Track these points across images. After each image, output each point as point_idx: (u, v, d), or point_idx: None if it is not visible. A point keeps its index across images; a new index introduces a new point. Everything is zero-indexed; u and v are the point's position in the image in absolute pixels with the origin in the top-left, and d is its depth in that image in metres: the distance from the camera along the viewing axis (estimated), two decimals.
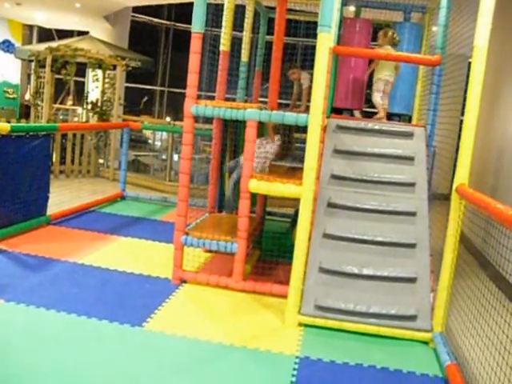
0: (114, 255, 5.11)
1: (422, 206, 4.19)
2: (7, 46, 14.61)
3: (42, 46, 10.42)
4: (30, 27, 15.37)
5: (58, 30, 14.86)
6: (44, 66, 9.75)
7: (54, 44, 10.30)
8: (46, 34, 15.10)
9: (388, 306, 3.86)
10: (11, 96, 14.91)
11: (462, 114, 3.74)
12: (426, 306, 3.87)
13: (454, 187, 3.65)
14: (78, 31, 14.23)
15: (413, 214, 4.16)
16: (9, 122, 7.77)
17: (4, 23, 14.48)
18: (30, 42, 15.04)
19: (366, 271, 3.97)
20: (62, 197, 6.82)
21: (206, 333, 3.64)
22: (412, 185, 4.26)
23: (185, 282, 4.55)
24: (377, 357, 3.55)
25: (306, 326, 3.92)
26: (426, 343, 3.82)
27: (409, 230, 4.12)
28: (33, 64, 10.18)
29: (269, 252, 5.10)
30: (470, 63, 3.70)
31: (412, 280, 3.95)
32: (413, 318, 3.84)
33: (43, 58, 9.77)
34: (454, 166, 3.76)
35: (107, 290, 4.20)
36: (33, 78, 10.27)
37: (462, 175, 3.65)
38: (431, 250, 4.12)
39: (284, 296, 4.06)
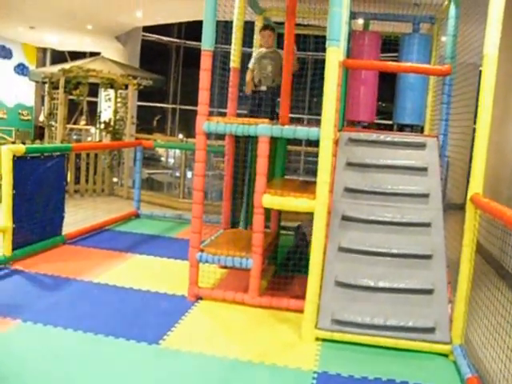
0: (129, 273, 5.12)
1: (437, 216, 4.16)
2: (22, 69, 14.86)
3: (56, 68, 10.59)
4: (44, 50, 15.64)
5: (70, 52, 15.10)
6: (57, 88, 9.89)
7: (66, 65, 10.46)
8: (59, 56, 15.35)
9: (405, 318, 3.82)
10: (26, 118, 15.13)
11: (475, 122, 3.72)
12: (445, 318, 3.83)
13: (468, 197, 3.62)
14: (91, 52, 14.43)
15: (428, 224, 4.13)
16: (24, 144, 7.86)
17: (18, 47, 14.75)
18: (44, 65, 15.28)
19: (382, 284, 3.94)
20: (76, 216, 6.87)
21: (222, 349, 3.62)
22: (426, 196, 4.24)
23: (201, 298, 4.55)
24: (396, 370, 3.51)
25: (324, 340, 3.88)
26: (445, 356, 3.76)
27: (424, 242, 4.08)
28: (46, 86, 10.33)
29: (284, 267, 5.09)
30: (480, 72, 3.68)
31: (429, 292, 3.91)
32: (431, 330, 3.79)
33: (56, 79, 9.92)
34: (468, 175, 3.73)
35: (123, 308, 4.20)
36: (46, 99, 10.43)
37: (477, 185, 3.62)
38: (447, 260, 4.08)
39: (301, 311, 4.03)
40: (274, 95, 5.60)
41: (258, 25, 6.10)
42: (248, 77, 5.69)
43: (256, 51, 5.81)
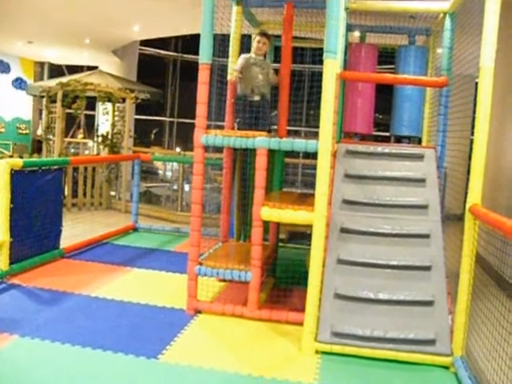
0: (127, 287, 5.10)
1: (436, 227, 4.16)
2: (19, 84, 14.90)
3: (53, 82, 10.61)
4: (41, 64, 15.70)
5: (68, 66, 15.16)
6: (55, 102, 9.90)
7: (64, 79, 10.48)
8: (56, 70, 15.41)
9: (405, 330, 3.80)
10: (24, 132, 15.15)
11: (472, 133, 3.73)
12: (445, 330, 3.81)
13: (467, 207, 3.62)
14: (88, 66, 14.48)
15: (426, 236, 4.13)
16: (21, 157, 7.87)
17: (16, 61, 14.81)
18: (42, 79, 15.33)
19: (381, 296, 3.92)
20: (74, 230, 6.84)
21: (222, 363, 3.59)
22: (425, 207, 4.24)
23: (200, 312, 4.52)
24: (396, 383, 3.49)
25: (324, 353, 3.86)
26: (446, 368, 3.74)
27: (423, 253, 4.08)
28: (44, 100, 10.34)
29: (283, 279, 5.07)
30: (477, 83, 3.70)
31: (429, 303, 3.89)
32: (432, 342, 3.77)
33: (54, 93, 9.93)
34: (466, 186, 3.74)
35: (122, 323, 4.18)
36: (44, 113, 10.42)
37: (475, 195, 3.62)
38: (447, 271, 4.07)
39: (300, 323, 4.01)
40: (267, 106, 5.43)
41: (255, 38, 6.12)
42: (237, 76, 5.24)
43: (244, 55, 5.35)
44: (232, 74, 5.48)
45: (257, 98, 5.33)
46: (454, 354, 3.72)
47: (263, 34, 5.43)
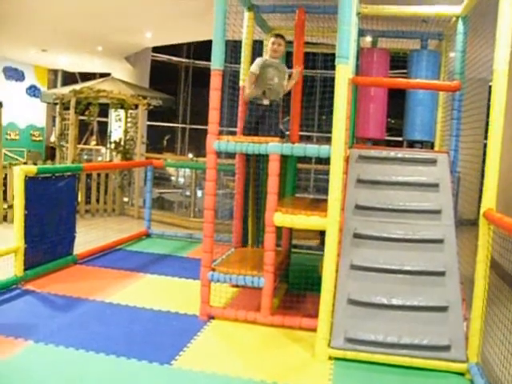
0: (141, 293, 5.11)
1: (449, 232, 4.13)
2: (33, 91, 15.06)
3: (67, 89, 10.70)
4: (55, 72, 15.86)
5: (81, 73, 15.29)
6: (68, 109, 9.99)
7: (77, 87, 10.58)
8: (69, 78, 15.55)
9: (420, 336, 3.77)
10: (37, 138, 15.29)
11: (486, 137, 3.70)
12: (460, 336, 3.77)
13: (481, 212, 3.59)
14: (100, 73, 14.59)
15: (440, 241, 4.10)
16: (35, 164, 7.93)
17: (30, 69, 14.97)
18: (55, 86, 15.48)
19: (395, 301, 3.90)
20: (87, 236, 6.88)
21: (235, 369, 3.59)
22: (438, 212, 4.21)
23: (213, 317, 4.52)
24: None
25: (337, 359, 3.84)
26: (461, 374, 3.69)
27: (437, 258, 4.05)
28: (57, 107, 10.44)
29: (296, 285, 5.06)
30: (490, 87, 3.68)
31: (443, 309, 3.86)
32: (446, 348, 3.73)
33: (67, 100, 10.02)
34: (480, 191, 3.71)
35: (135, 328, 4.19)
36: (58, 120, 10.50)
37: (489, 200, 3.59)
38: (461, 277, 4.04)
39: (313, 329, 3.99)
40: (277, 111, 5.25)
41: (267, 44, 6.13)
42: (251, 80, 5.10)
43: (260, 58, 5.22)
44: (244, 80, 5.46)
45: (266, 102, 5.13)
46: (469, 360, 3.68)
47: (278, 35, 5.27)
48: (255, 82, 5.10)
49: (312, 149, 4.16)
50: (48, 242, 5.51)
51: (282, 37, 5.26)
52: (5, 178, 8.17)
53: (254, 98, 5.16)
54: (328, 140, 3.98)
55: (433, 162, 4.49)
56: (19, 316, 4.33)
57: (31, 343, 3.75)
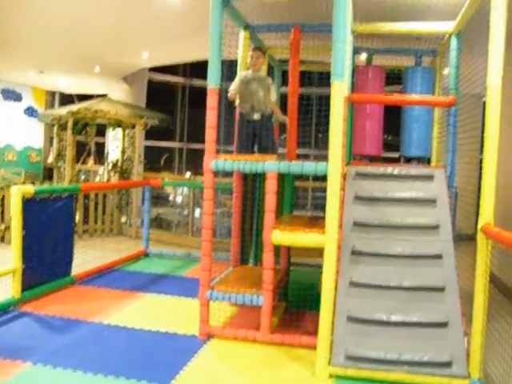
0: (139, 313, 5.08)
1: (448, 248, 4.13)
2: (31, 112, 15.12)
3: (64, 110, 10.73)
4: (53, 93, 15.93)
5: (78, 94, 15.35)
6: (65, 129, 10.02)
7: (74, 107, 10.61)
8: (67, 98, 15.62)
9: (420, 352, 3.74)
10: (35, 159, 15.30)
11: (481, 152, 3.72)
12: (461, 352, 3.75)
13: (479, 227, 3.60)
14: (97, 95, 14.65)
15: (439, 256, 4.09)
16: (33, 184, 7.93)
17: (28, 90, 15.04)
18: (53, 107, 15.54)
19: (394, 318, 3.88)
20: (85, 256, 6.85)
21: None
22: (436, 227, 4.21)
23: (212, 337, 4.49)
24: None
25: (338, 377, 3.81)
26: None
27: (436, 274, 4.04)
28: (55, 128, 10.47)
29: (295, 303, 5.03)
30: (484, 102, 3.71)
31: (443, 325, 3.84)
32: (448, 364, 3.71)
33: (65, 121, 10.05)
34: (477, 205, 3.72)
35: (134, 349, 4.15)
36: (55, 141, 10.54)
37: (487, 215, 3.59)
38: (460, 292, 4.03)
39: (313, 347, 3.97)
40: (270, 127, 5.21)
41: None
42: (232, 98, 5.06)
43: (240, 74, 5.25)
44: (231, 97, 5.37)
45: (256, 116, 5.07)
46: (471, 376, 3.65)
47: (255, 48, 5.26)
48: (240, 98, 5.11)
49: (309, 166, 4.17)
50: (46, 263, 5.49)
51: (259, 49, 5.28)
52: (2, 200, 8.16)
53: (245, 115, 5.15)
54: (325, 158, 3.99)
55: (430, 177, 4.50)
56: (17, 338, 4.29)
57: (29, 365, 3.72)
